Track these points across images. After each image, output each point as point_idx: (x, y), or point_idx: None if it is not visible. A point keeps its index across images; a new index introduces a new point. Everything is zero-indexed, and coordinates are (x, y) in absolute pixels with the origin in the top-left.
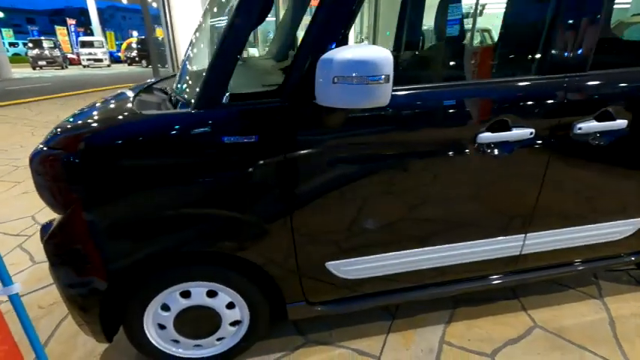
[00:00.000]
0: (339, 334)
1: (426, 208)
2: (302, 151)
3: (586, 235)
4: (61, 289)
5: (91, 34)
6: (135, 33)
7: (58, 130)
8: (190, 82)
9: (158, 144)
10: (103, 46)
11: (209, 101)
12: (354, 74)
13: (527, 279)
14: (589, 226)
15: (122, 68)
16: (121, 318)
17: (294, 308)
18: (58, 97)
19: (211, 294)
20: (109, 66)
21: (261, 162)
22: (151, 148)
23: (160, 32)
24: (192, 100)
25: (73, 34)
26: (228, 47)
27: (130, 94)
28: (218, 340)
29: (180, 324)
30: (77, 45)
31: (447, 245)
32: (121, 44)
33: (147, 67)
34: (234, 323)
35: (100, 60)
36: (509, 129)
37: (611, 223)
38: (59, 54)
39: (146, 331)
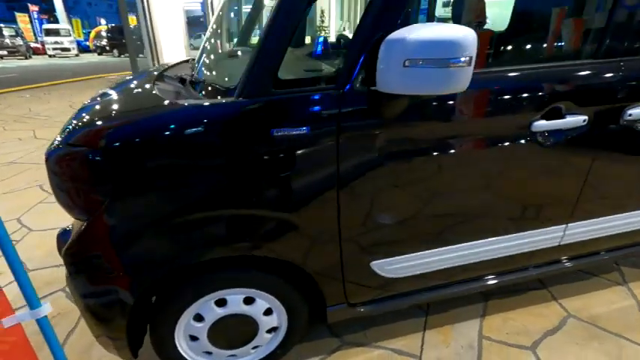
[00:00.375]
0: (373, 334)
1: (478, 200)
2: (356, 144)
3: (625, 223)
4: (83, 303)
5: (56, 21)
6: (103, 21)
7: (79, 123)
8: (227, 68)
9: (199, 137)
10: (69, 35)
11: (257, 88)
12: (432, 56)
13: (562, 269)
14: (630, 213)
15: (92, 58)
16: (149, 330)
17: (334, 311)
18: (26, 89)
19: (248, 301)
20: (77, 55)
21: (312, 156)
22: (191, 142)
23: (132, 20)
24: (235, 88)
25: (36, 21)
26: (281, 25)
27: (145, 82)
28: (253, 348)
29: (215, 334)
30: (41, 33)
31: (493, 238)
32: (89, 32)
33: (119, 56)
34: (270, 330)
35: (68, 49)
36: (562, 116)
37: None
38: (22, 43)
39: (177, 344)
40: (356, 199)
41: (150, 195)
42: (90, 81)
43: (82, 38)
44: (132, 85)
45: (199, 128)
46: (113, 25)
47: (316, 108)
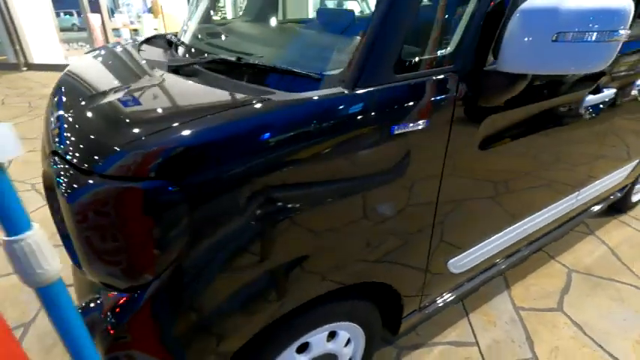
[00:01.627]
0: (424, 332)
1: (550, 175)
2: (466, 136)
3: (613, 179)
4: None
5: None
6: None
7: (126, 142)
8: (309, 47)
9: (316, 144)
10: None
11: (379, 74)
12: (593, 29)
13: (569, 229)
14: (619, 169)
15: None
16: None
17: (408, 320)
18: None
19: (329, 335)
20: None
21: (424, 158)
22: (306, 151)
23: None
24: (344, 74)
25: None
26: None
27: (154, 75)
28: None
29: None
30: None
31: (543, 210)
32: None
33: None
34: None
35: None
36: (600, 90)
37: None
38: None
39: None
40: (453, 198)
41: (259, 230)
42: None
43: None
44: (141, 77)
45: (324, 132)
46: None
47: (438, 96)
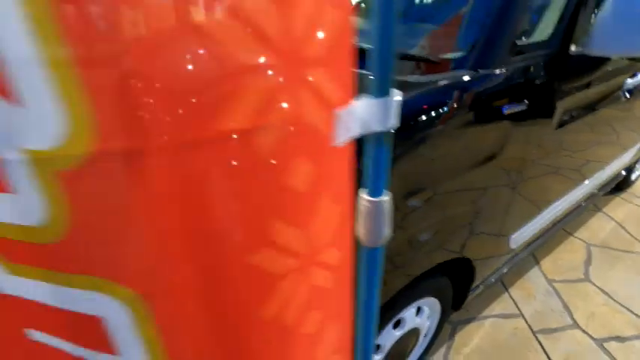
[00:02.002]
0: (472, 308)
1: (592, 151)
2: (552, 114)
3: (627, 158)
4: None
5: None
6: None
7: None
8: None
9: (454, 122)
10: None
11: (499, 56)
12: None
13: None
14: (633, 148)
15: None
16: None
17: (472, 294)
18: None
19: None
20: None
21: (522, 136)
22: (449, 129)
23: None
24: (466, 57)
25: None
26: None
27: None
28: None
29: None
30: None
31: (583, 183)
32: None
33: None
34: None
35: None
36: (634, 75)
37: None
38: None
39: None
40: (532, 174)
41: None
42: None
43: None
44: None
45: (460, 111)
46: None
47: (537, 78)
